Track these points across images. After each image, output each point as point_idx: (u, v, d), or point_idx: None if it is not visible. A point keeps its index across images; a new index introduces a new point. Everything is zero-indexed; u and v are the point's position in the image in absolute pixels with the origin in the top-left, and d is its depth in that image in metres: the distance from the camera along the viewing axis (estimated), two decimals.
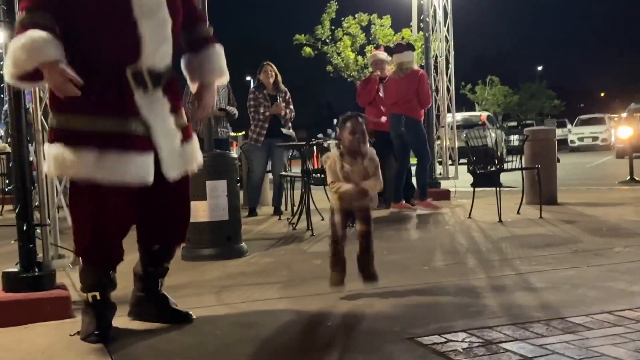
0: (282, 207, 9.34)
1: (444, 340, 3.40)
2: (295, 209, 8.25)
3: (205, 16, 4.21)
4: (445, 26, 10.78)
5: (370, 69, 10.28)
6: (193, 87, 4.08)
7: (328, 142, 8.06)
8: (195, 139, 3.96)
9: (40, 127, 4.66)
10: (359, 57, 22.76)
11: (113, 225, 3.62)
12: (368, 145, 4.34)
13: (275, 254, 6.37)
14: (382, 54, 9.83)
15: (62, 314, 4.09)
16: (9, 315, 4.02)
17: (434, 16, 10.73)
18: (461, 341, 3.39)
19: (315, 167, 8.92)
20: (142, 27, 3.50)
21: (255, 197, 9.22)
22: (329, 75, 24.08)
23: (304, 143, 8.51)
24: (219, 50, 4.05)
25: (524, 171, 8.73)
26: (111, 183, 3.42)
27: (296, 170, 9.89)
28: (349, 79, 23.67)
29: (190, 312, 3.96)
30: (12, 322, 3.99)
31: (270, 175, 9.93)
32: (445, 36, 10.81)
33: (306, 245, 6.81)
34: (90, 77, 3.46)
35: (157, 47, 3.57)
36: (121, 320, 3.89)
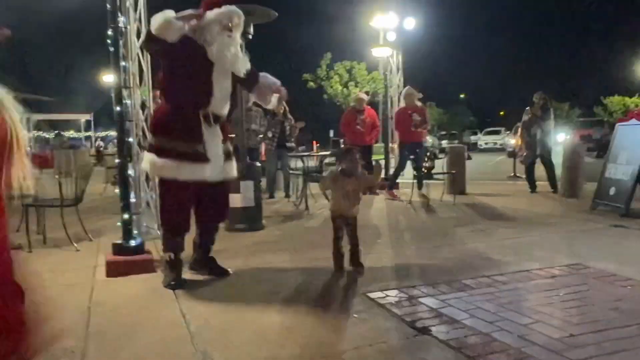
0: (291, 192, 9.15)
1: (384, 295, 3.52)
2: (298, 194, 8.24)
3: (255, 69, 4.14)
4: (398, 75, 10.71)
5: (352, 103, 9.81)
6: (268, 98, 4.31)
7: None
8: (233, 160, 4.08)
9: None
10: (344, 90, 22.73)
11: (183, 207, 3.82)
12: (360, 168, 4.20)
13: (283, 228, 6.31)
14: (363, 95, 9.67)
15: (148, 270, 4.24)
16: (117, 270, 4.18)
17: (390, 70, 10.71)
18: (394, 296, 3.50)
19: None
20: (215, 89, 3.73)
21: (271, 185, 9.12)
22: (325, 100, 23.98)
23: (306, 153, 8.51)
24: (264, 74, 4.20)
25: (446, 174, 8.70)
26: (184, 179, 3.67)
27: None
28: (337, 103, 23.68)
29: (229, 269, 4.11)
30: (119, 274, 4.16)
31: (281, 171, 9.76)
32: (398, 82, 10.76)
33: (305, 221, 6.76)
34: (176, 113, 3.73)
35: (220, 101, 3.80)
36: (185, 272, 4.04)
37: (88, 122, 29.56)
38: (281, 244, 5.32)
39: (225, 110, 3.90)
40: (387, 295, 3.52)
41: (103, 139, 28.91)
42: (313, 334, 2.92)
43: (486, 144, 35.07)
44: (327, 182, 4.30)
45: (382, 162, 10.29)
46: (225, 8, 3.72)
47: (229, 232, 5.61)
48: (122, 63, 4.27)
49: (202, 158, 3.71)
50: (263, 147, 9.61)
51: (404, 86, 10.57)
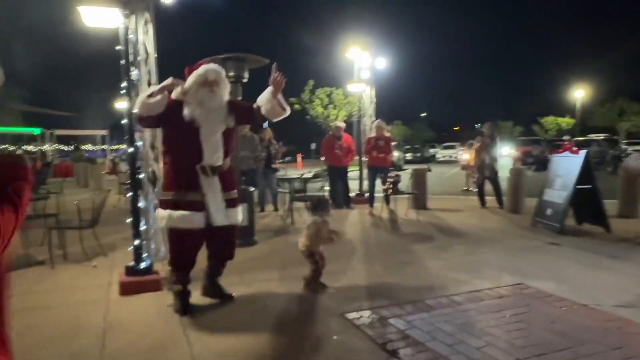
0: (278, 206, 9.00)
1: (359, 316, 3.50)
2: (285, 208, 8.13)
3: (249, 103, 3.83)
4: (371, 106, 10.67)
5: (331, 131, 9.62)
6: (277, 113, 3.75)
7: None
8: (239, 206, 3.87)
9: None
10: (325, 111, 22.95)
11: (188, 252, 3.67)
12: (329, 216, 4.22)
13: (273, 243, 6.16)
14: (341, 123, 9.58)
15: (157, 288, 4.17)
16: (129, 289, 4.11)
17: (364, 103, 10.71)
18: (367, 317, 3.48)
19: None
20: (204, 145, 3.56)
21: (261, 200, 8.99)
22: (308, 120, 24.13)
23: (294, 176, 8.43)
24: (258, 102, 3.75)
25: (410, 194, 8.69)
26: (185, 227, 3.53)
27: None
28: (318, 123, 23.89)
29: (233, 294, 3.98)
30: (130, 293, 4.09)
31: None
32: (370, 113, 10.75)
33: (291, 236, 6.48)
34: (176, 169, 3.63)
35: (212, 154, 3.59)
36: (197, 296, 3.93)
37: (103, 136, 29.16)
38: (271, 260, 5.25)
39: (219, 161, 3.65)
40: (362, 316, 3.51)
41: (116, 151, 28.44)
42: (302, 354, 2.90)
43: (443, 156, 35.29)
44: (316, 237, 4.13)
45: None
46: (200, 68, 3.60)
47: None
48: (135, 110, 4.19)
49: (197, 207, 3.55)
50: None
51: (376, 115, 10.62)
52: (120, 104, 17.20)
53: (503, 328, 3.24)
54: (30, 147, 26.39)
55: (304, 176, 8.50)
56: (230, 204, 3.75)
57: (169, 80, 3.53)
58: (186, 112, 3.51)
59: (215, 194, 3.63)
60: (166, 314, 3.66)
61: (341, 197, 9.22)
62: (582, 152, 6.60)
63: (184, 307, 3.70)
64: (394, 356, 2.85)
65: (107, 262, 5.30)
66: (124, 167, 13.24)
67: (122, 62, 4.10)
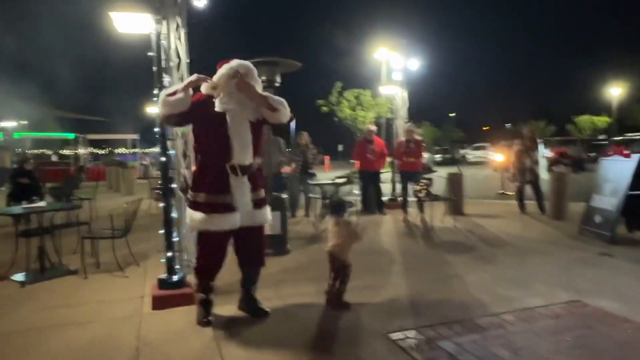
0: (309, 212, 8.85)
1: (404, 337, 3.27)
2: (316, 215, 8.01)
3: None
4: (403, 108, 10.44)
5: (359, 134, 9.62)
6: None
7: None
8: (266, 206, 3.73)
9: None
10: (353, 113, 22.82)
11: (216, 256, 3.57)
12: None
13: (307, 253, 5.95)
14: (373, 127, 9.34)
15: (189, 302, 3.99)
16: (162, 303, 3.99)
17: (397, 103, 10.47)
18: (413, 338, 3.25)
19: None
20: (233, 142, 3.43)
21: (294, 206, 8.87)
22: (335, 122, 24.03)
23: (326, 182, 8.26)
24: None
25: (447, 200, 8.25)
26: (215, 230, 3.43)
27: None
28: (345, 124, 23.76)
29: (268, 310, 3.80)
30: (162, 307, 3.97)
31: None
32: (403, 115, 10.50)
33: (324, 245, 6.38)
34: (206, 169, 3.52)
35: (242, 152, 3.46)
36: (232, 309, 3.83)
37: (134, 140, 29.66)
38: (307, 272, 5.02)
39: (248, 160, 3.51)
40: (407, 337, 3.27)
41: (147, 154, 28.85)
42: None
43: (474, 157, 34.56)
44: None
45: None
46: (232, 61, 3.48)
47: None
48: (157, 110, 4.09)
49: (230, 208, 3.46)
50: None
51: (409, 117, 10.36)
52: (151, 109, 17.47)
53: (565, 353, 2.95)
54: (64, 152, 27.03)
55: (336, 181, 8.27)
56: (258, 204, 3.63)
57: (193, 77, 3.44)
58: (217, 104, 3.41)
59: (244, 195, 3.53)
60: (199, 330, 3.51)
61: (374, 203, 8.99)
62: (635, 156, 6.17)
63: (204, 318, 3.59)
64: None
65: (139, 272, 5.22)
66: (154, 171, 13.33)
67: (155, 68, 3.98)
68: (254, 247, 3.72)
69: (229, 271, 3.86)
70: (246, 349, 3.17)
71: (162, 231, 4.15)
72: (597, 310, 3.69)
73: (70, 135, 26.57)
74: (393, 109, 10.46)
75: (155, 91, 4.01)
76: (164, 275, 4.13)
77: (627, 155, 6.30)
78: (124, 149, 31.29)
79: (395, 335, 3.30)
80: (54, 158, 25.58)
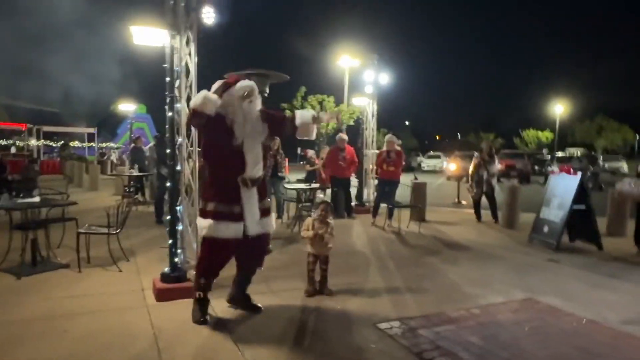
0: (282, 214, 9.08)
1: (390, 326, 3.76)
2: (290, 219, 8.37)
3: (281, 112, 4.13)
4: (373, 120, 10.95)
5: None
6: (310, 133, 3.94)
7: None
8: (272, 215, 4.05)
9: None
10: None
11: (221, 259, 3.85)
12: (331, 217, 4.59)
13: (287, 252, 6.35)
14: (344, 136, 9.73)
15: (190, 295, 4.17)
16: (164, 296, 4.29)
17: (367, 115, 11.00)
18: (398, 327, 3.75)
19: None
20: (247, 158, 3.73)
21: (279, 210, 8.98)
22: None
23: (302, 186, 8.63)
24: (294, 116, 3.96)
25: (412, 207, 9.01)
26: (223, 237, 3.70)
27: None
28: None
29: (260, 305, 4.10)
30: (165, 299, 4.28)
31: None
32: (372, 126, 11.02)
33: (302, 246, 6.48)
34: (218, 181, 3.78)
35: (254, 167, 3.77)
36: (223, 306, 4.14)
37: (91, 134, 28.92)
38: (290, 270, 5.42)
39: (259, 173, 3.85)
40: (393, 327, 3.77)
41: (106, 148, 28.20)
42: None
43: (428, 166, 35.83)
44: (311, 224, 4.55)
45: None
46: (239, 84, 3.73)
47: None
48: (179, 139, 4.53)
49: (239, 218, 3.73)
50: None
51: (378, 129, 10.96)
52: (126, 106, 17.08)
53: (524, 340, 3.56)
54: (20, 143, 25.95)
55: (312, 185, 8.71)
56: (265, 213, 3.93)
57: (215, 86, 3.70)
58: (237, 130, 3.70)
59: (253, 205, 3.80)
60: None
61: (343, 207, 9.51)
62: (579, 174, 7.02)
63: (201, 316, 3.82)
64: None
65: (131, 267, 5.49)
66: (126, 168, 13.28)
67: (167, 78, 4.32)
68: (257, 252, 4.03)
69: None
70: (256, 338, 3.57)
71: (168, 228, 4.46)
72: (547, 306, 4.35)
73: (22, 127, 25.60)
74: (363, 120, 11.03)
75: (168, 100, 4.35)
76: (166, 270, 4.45)
77: (574, 174, 7.14)
78: (77, 142, 30.36)
79: (383, 325, 3.81)
80: (13, 150, 24.51)
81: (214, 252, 3.79)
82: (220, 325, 3.79)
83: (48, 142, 27.83)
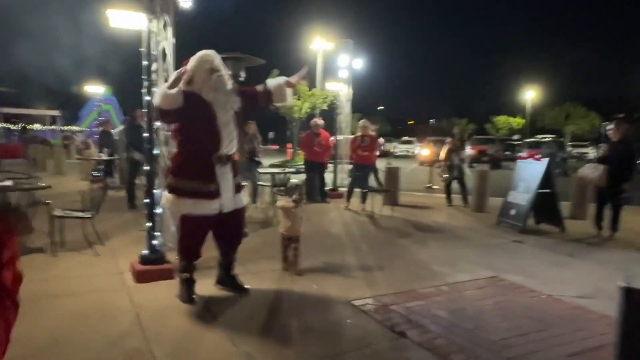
0: (256, 199, 9.16)
1: (364, 303, 4.04)
2: (262, 201, 8.54)
3: (254, 87, 4.18)
4: (347, 105, 11.16)
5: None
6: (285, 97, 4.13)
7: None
8: (244, 190, 4.19)
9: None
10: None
11: (198, 239, 3.97)
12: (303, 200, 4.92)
13: (263, 235, 6.53)
14: (320, 120, 9.88)
15: (169, 277, 4.50)
16: (144, 277, 4.45)
17: (341, 100, 11.22)
18: (372, 304, 4.02)
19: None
20: (222, 134, 3.81)
21: (255, 194, 9.16)
22: (270, 110, 24.45)
23: (275, 171, 8.82)
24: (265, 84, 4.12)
25: (385, 191, 9.30)
26: (199, 214, 3.81)
27: None
28: (280, 113, 24.42)
29: (247, 286, 4.28)
30: (145, 281, 4.44)
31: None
32: (347, 111, 11.24)
33: (276, 229, 6.61)
34: (191, 158, 3.85)
35: (229, 143, 3.87)
36: (210, 287, 4.32)
37: (53, 117, 28.18)
38: (265, 252, 5.60)
39: (234, 149, 3.92)
40: (367, 303, 4.05)
41: (69, 131, 27.53)
42: (326, 335, 3.41)
43: (400, 151, 36.37)
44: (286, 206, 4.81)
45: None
46: (200, 56, 3.80)
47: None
48: (157, 123, 4.62)
49: (215, 195, 3.82)
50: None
51: (354, 111, 11.20)
52: (93, 88, 16.69)
53: (488, 314, 3.90)
54: None
55: (287, 170, 8.90)
56: (238, 189, 4.06)
57: (174, 74, 3.78)
58: (205, 95, 3.74)
59: (228, 182, 3.92)
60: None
61: (317, 192, 9.75)
62: (545, 160, 7.44)
63: (190, 296, 3.99)
64: (403, 337, 3.42)
65: (107, 251, 5.60)
66: (94, 151, 13.14)
67: (145, 62, 4.42)
68: (235, 228, 4.17)
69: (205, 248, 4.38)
70: (237, 316, 3.79)
71: (145, 211, 4.59)
72: (510, 284, 4.71)
73: None
74: (337, 104, 11.24)
75: (145, 84, 4.45)
76: (145, 252, 4.60)
77: (539, 159, 7.56)
78: (39, 125, 29.54)
79: (357, 302, 4.08)
80: None
81: (192, 230, 3.88)
82: (201, 304, 3.98)
83: (6, 125, 26.98)
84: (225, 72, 3.89)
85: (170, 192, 3.91)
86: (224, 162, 3.88)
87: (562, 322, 3.74)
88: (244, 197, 4.22)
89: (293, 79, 4.12)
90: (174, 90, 3.70)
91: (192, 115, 3.78)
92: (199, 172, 3.83)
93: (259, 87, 4.14)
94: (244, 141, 9.16)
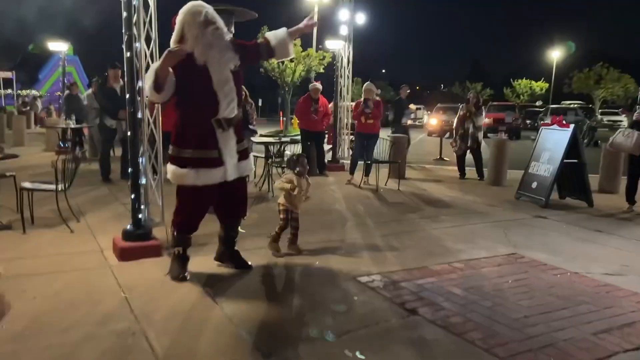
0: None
1: (371, 279, 4.22)
2: (259, 177, 8.62)
3: (254, 41, 4.29)
4: (349, 66, 11.21)
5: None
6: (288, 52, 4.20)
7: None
8: (249, 157, 4.30)
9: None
10: (280, 65, 23.33)
11: (198, 209, 4.13)
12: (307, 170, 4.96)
13: (258, 211, 6.67)
14: (319, 85, 9.98)
15: (156, 254, 4.67)
16: (127, 255, 4.59)
17: (342, 61, 11.25)
18: (380, 280, 4.21)
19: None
20: (219, 96, 3.89)
21: None
22: (260, 73, 24.47)
23: (269, 141, 8.91)
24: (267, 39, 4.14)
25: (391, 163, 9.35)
26: (202, 184, 3.94)
27: None
28: (272, 77, 24.36)
29: (250, 263, 4.45)
30: (129, 259, 4.58)
31: None
32: (348, 73, 11.30)
33: (272, 204, 6.93)
34: (190, 125, 3.98)
35: (227, 106, 3.94)
36: (210, 264, 4.48)
37: (8, 80, 27.88)
38: (263, 228, 5.64)
39: (234, 112, 3.99)
40: (374, 280, 4.23)
41: (28, 98, 27.30)
42: (331, 313, 3.58)
43: (407, 120, 36.37)
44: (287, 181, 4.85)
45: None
46: (189, 7, 3.82)
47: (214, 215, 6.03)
48: (139, 84, 4.70)
49: (218, 163, 3.96)
50: None
51: (354, 75, 11.25)
52: (55, 45, 16.36)
53: (508, 291, 4.08)
54: None
55: (282, 139, 9.01)
56: (242, 155, 4.17)
57: (166, 54, 3.76)
58: (198, 59, 3.80)
59: (231, 149, 4.03)
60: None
61: (315, 164, 9.87)
62: (571, 126, 7.58)
63: (182, 273, 4.13)
64: (415, 314, 3.60)
65: (82, 228, 5.73)
66: (56, 119, 13.15)
67: (124, 14, 4.47)
68: (238, 198, 4.30)
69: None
70: (235, 294, 3.94)
71: (129, 182, 4.71)
72: (532, 261, 4.91)
73: None
74: (336, 66, 11.26)
75: (125, 38, 4.51)
76: (129, 227, 4.73)
77: (566, 125, 7.70)
78: None
79: (363, 279, 4.25)
80: None
81: (192, 201, 4.04)
82: (195, 281, 4.14)
83: None
84: (221, 24, 3.93)
85: (171, 163, 4.04)
86: (225, 127, 3.97)
87: (588, 299, 3.94)
88: (250, 164, 4.33)
89: (300, 26, 4.12)
90: (162, 89, 3.83)
91: (185, 80, 3.87)
92: (199, 139, 3.95)
93: (260, 41, 4.19)
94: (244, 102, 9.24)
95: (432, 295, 3.93)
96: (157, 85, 3.82)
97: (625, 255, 5.17)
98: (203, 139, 3.95)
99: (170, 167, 4.04)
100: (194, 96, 3.92)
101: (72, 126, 10.75)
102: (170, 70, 3.82)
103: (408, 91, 10.89)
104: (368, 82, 9.10)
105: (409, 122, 11.15)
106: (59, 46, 13.93)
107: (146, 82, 4.01)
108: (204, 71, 3.85)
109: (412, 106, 11.48)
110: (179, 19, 3.88)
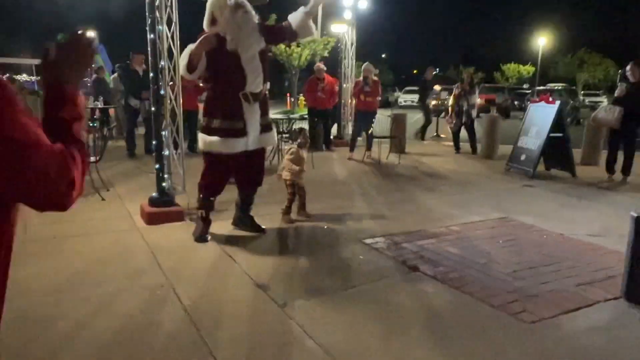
0: None
1: (375, 241, 4.25)
2: (269, 152, 8.60)
3: (280, 24, 4.27)
4: (352, 48, 11.09)
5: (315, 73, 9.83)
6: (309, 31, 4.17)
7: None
8: (272, 130, 4.34)
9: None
10: (287, 49, 23.05)
11: (222, 176, 4.23)
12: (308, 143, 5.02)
13: (268, 182, 6.56)
14: (322, 65, 9.86)
15: (179, 219, 4.72)
16: (154, 219, 4.64)
17: (346, 44, 11.13)
18: (383, 242, 4.24)
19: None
20: (247, 72, 3.96)
21: None
22: (269, 57, 24.10)
23: (280, 116, 8.85)
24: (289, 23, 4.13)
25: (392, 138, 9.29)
26: (227, 152, 4.04)
27: None
28: (280, 61, 24.06)
29: (264, 227, 4.50)
30: (155, 223, 4.63)
31: None
32: (351, 55, 11.18)
33: (280, 175, 7.17)
34: (219, 98, 4.05)
35: (254, 80, 4.00)
36: (228, 227, 4.54)
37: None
38: (272, 197, 5.62)
39: (260, 87, 4.03)
40: (378, 242, 4.26)
41: None
42: (338, 270, 3.62)
43: (405, 101, 36.06)
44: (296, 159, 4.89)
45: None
46: None
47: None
48: (162, 63, 4.67)
49: (242, 133, 4.03)
50: None
51: (357, 59, 11.13)
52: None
53: (499, 250, 4.10)
54: None
55: (291, 116, 8.96)
56: (265, 128, 4.23)
57: (203, 40, 3.83)
58: (229, 41, 3.87)
59: (255, 121, 4.10)
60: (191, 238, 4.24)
61: (322, 140, 9.83)
62: (557, 102, 7.50)
63: (204, 233, 4.21)
64: (415, 270, 3.62)
65: (113, 196, 5.77)
66: (89, 101, 13.09)
67: (148, 15, 4.43)
68: (256, 168, 4.36)
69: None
70: (252, 253, 3.98)
71: (154, 153, 4.72)
72: (521, 224, 4.91)
73: None
74: (340, 49, 11.13)
75: (148, 21, 4.47)
76: (155, 194, 4.76)
77: (552, 102, 7.62)
78: (25, 75, 29.16)
79: (368, 241, 4.28)
80: None
81: (216, 167, 4.14)
82: (216, 243, 4.19)
83: None
84: (249, 8, 3.96)
85: (202, 132, 4.15)
86: (251, 100, 4.04)
87: (572, 256, 3.95)
88: (273, 137, 4.39)
89: (313, 3, 4.06)
90: (195, 68, 3.91)
91: (217, 59, 3.94)
92: (227, 111, 4.03)
93: (285, 23, 4.20)
94: (268, 78, 9.12)
95: (431, 255, 3.95)
96: (191, 66, 3.92)
97: (606, 219, 5.16)
98: (231, 110, 4.02)
99: (201, 135, 4.15)
100: (224, 72, 4.00)
101: (100, 107, 10.70)
102: (202, 53, 3.87)
103: (434, 72, 10.46)
104: (367, 62, 8.98)
105: (433, 102, 10.75)
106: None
107: (181, 62, 4.07)
108: (234, 50, 3.92)
109: (437, 87, 11.14)
110: (209, 3, 3.94)
